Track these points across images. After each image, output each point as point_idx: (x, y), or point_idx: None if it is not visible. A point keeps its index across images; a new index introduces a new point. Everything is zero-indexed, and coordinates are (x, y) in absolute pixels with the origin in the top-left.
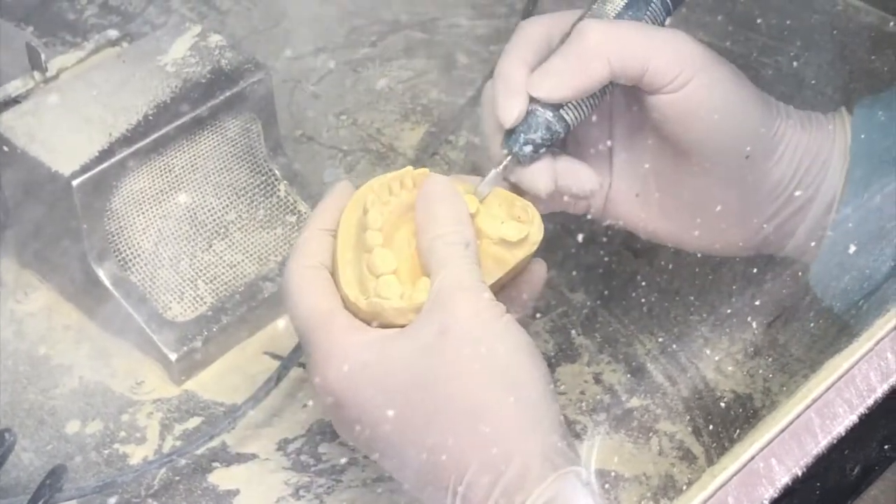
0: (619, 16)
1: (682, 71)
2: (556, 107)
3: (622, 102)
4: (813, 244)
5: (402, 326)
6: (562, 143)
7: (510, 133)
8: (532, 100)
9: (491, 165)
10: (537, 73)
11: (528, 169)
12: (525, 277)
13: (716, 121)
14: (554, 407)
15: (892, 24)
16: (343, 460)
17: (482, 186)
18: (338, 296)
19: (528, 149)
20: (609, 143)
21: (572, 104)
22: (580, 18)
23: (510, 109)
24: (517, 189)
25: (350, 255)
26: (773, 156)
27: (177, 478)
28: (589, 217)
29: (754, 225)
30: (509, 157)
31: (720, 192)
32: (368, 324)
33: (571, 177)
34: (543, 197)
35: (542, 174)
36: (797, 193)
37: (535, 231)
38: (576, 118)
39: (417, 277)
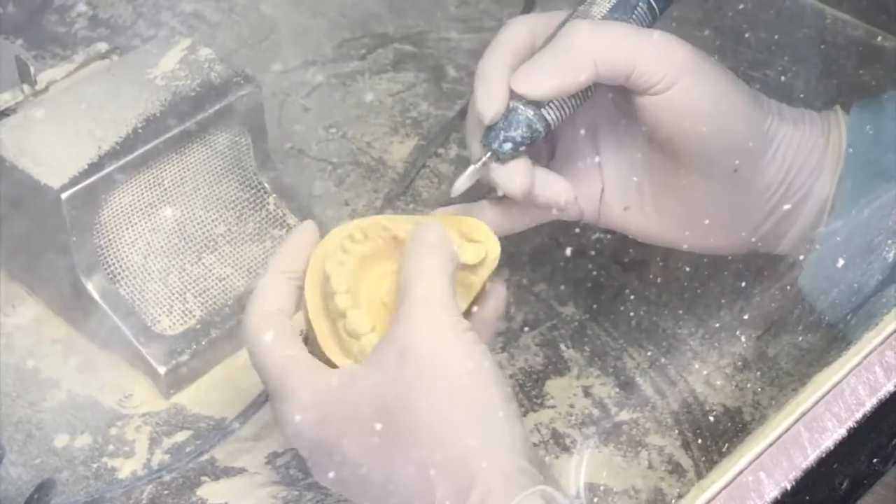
0: (604, 18)
1: (669, 72)
2: (537, 105)
3: (610, 104)
4: (805, 246)
5: None
6: (551, 149)
7: (490, 130)
8: (514, 98)
9: (471, 162)
10: (521, 69)
11: (506, 167)
12: (487, 299)
13: (704, 121)
14: (517, 427)
15: (879, 38)
16: None
17: (459, 182)
18: (298, 340)
19: (508, 146)
20: (599, 147)
21: (554, 103)
22: (566, 20)
23: (489, 105)
24: (493, 190)
25: (325, 324)
26: (766, 155)
27: (165, 492)
28: (583, 222)
29: (748, 224)
30: (488, 154)
31: (713, 192)
32: None
33: (547, 187)
34: (519, 197)
35: (519, 174)
36: (790, 192)
37: (493, 247)
38: (557, 118)
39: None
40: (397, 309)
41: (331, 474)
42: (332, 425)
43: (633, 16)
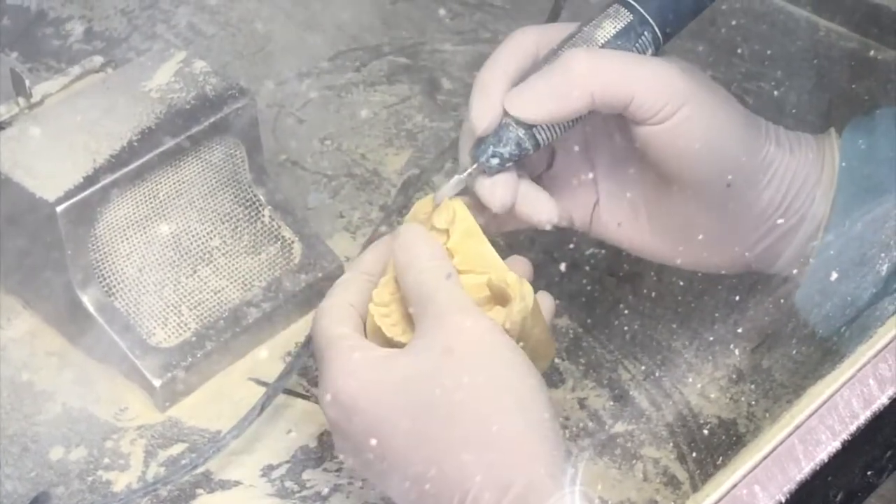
0: (607, 43)
1: (667, 103)
2: (529, 125)
3: (608, 125)
4: (800, 265)
5: None
6: (549, 159)
7: (480, 142)
8: (507, 113)
9: (458, 170)
10: (517, 91)
11: (490, 181)
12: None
13: (701, 151)
14: (556, 426)
15: (872, 51)
16: (326, 488)
17: (444, 190)
18: (358, 327)
19: (495, 161)
20: (594, 162)
21: (546, 125)
22: (570, 36)
23: (481, 118)
24: (475, 201)
25: None
26: (761, 181)
27: None
28: (575, 229)
29: (742, 245)
30: (475, 166)
31: (707, 217)
32: None
33: (530, 204)
34: (499, 212)
35: (502, 191)
36: (785, 218)
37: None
38: (548, 138)
39: None
40: (423, 308)
41: (359, 452)
42: (371, 404)
43: (637, 44)
